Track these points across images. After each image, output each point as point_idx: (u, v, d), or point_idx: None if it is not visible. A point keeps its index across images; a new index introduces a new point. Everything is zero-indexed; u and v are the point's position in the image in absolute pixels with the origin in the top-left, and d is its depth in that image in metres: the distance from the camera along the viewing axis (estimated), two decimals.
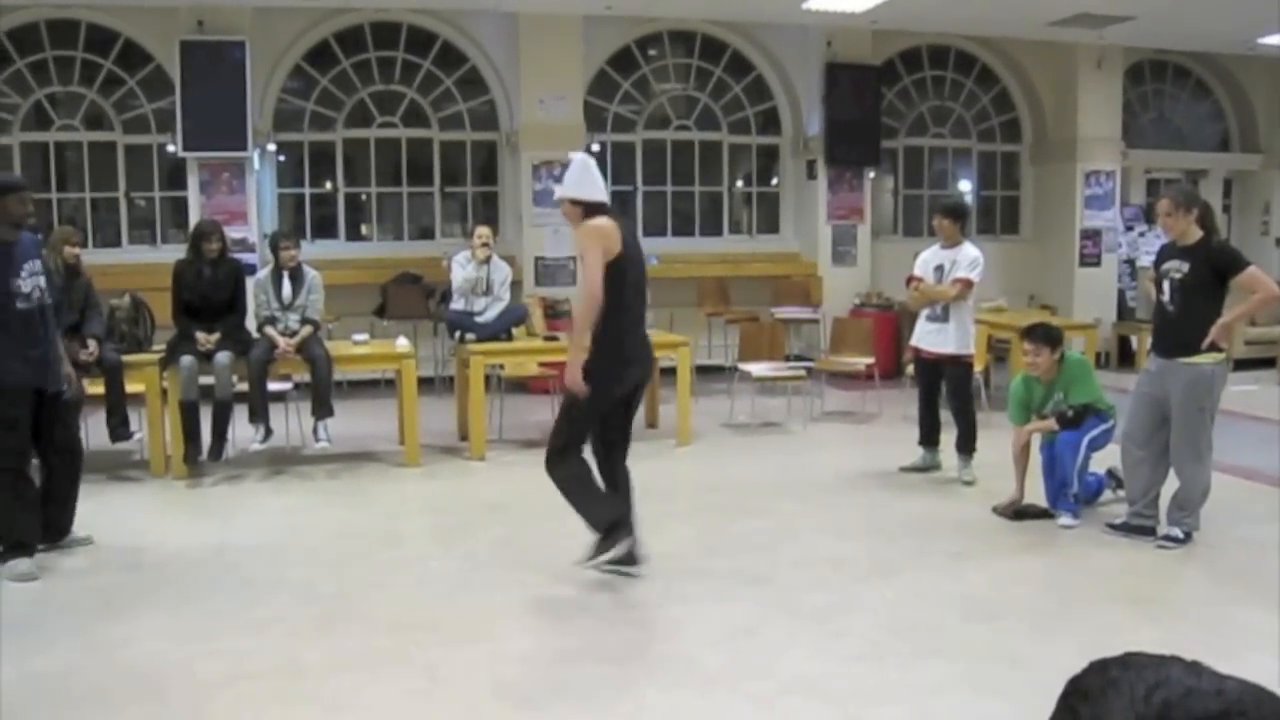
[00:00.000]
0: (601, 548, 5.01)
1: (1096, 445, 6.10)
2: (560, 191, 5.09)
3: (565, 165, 5.11)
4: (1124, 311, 12.67)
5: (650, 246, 11.23)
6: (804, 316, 11.38)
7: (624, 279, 4.90)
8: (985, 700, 3.87)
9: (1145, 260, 12.29)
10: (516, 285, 9.11)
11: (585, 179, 5.00)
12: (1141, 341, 11.41)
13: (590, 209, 4.93)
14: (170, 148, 10.55)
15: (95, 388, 7.08)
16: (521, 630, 4.57)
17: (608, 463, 5.16)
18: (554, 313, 10.29)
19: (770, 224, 12.56)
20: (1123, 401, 6.20)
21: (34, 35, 10.52)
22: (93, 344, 6.98)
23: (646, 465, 7.63)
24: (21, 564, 5.26)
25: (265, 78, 10.66)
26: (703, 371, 9.88)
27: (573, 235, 5.06)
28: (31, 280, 5.33)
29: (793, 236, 12.33)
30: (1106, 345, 12.03)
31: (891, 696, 3.90)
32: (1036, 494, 6.24)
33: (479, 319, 8.24)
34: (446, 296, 8.77)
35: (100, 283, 7.47)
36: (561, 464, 5.04)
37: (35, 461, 5.60)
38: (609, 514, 5.03)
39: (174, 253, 8.48)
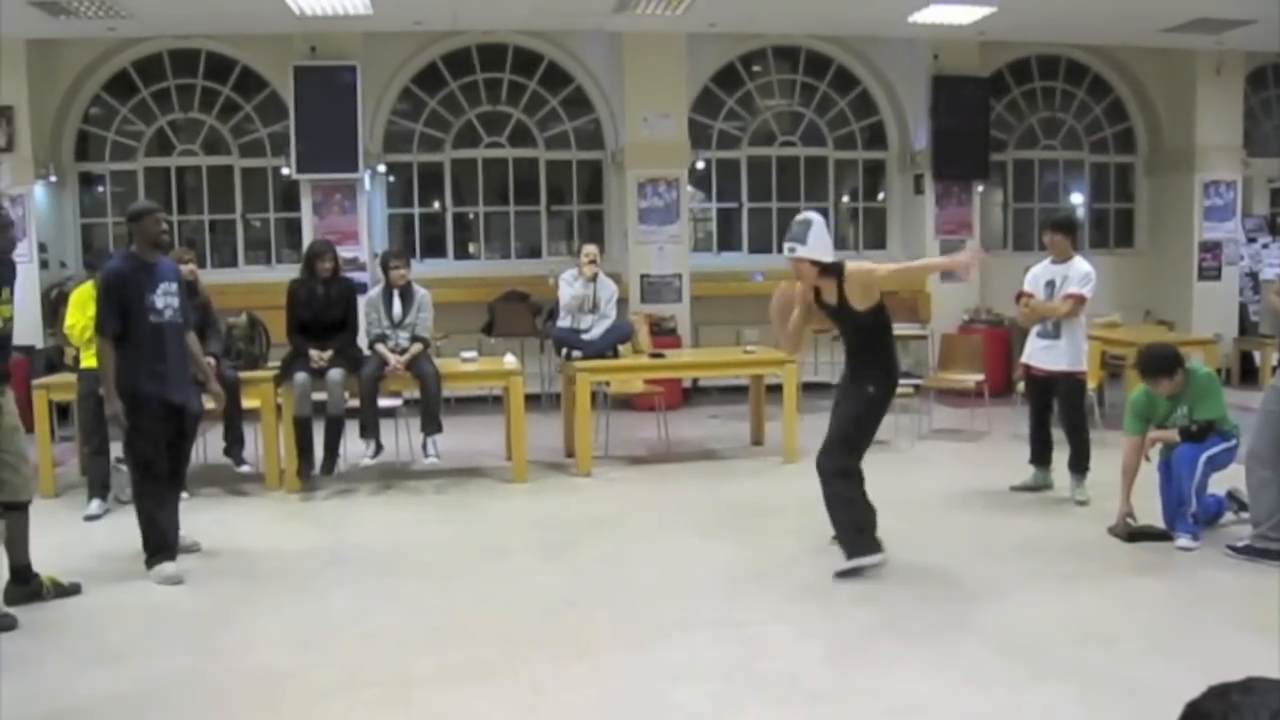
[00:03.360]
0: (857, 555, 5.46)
1: (1216, 464, 5.88)
2: (803, 252, 5.46)
3: (804, 224, 5.46)
4: (1246, 326, 12.25)
5: (756, 263, 11.25)
6: (912, 332, 11.22)
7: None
8: None
9: (1269, 273, 11.91)
10: (622, 303, 9.16)
11: (826, 242, 5.50)
12: (1265, 357, 11.04)
13: (825, 268, 5.49)
14: (284, 170, 10.88)
15: (211, 403, 7.29)
16: (626, 645, 4.58)
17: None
18: (659, 330, 10.32)
19: (877, 239, 12.46)
20: (1245, 419, 5.99)
21: (157, 65, 10.98)
22: (211, 361, 7.19)
23: (754, 483, 7.66)
24: (168, 567, 5.53)
25: (375, 100, 10.93)
26: (809, 389, 9.80)
27: (851, 286, 5.45)
28: (165, 299, 5.63)
29: (900, 252, 12.17)
30: (1227, 361, 11.64)
31: None
32: (1152, 514, 6.06)
33: (585, 336, 8.31)
34: (553, 314, 8.86)
35: (217, 302, 7.71)
36: (849, 480, 5.51)
37: None
38: (869, 540, 5.50)
39: (288, 272, 8.73)
